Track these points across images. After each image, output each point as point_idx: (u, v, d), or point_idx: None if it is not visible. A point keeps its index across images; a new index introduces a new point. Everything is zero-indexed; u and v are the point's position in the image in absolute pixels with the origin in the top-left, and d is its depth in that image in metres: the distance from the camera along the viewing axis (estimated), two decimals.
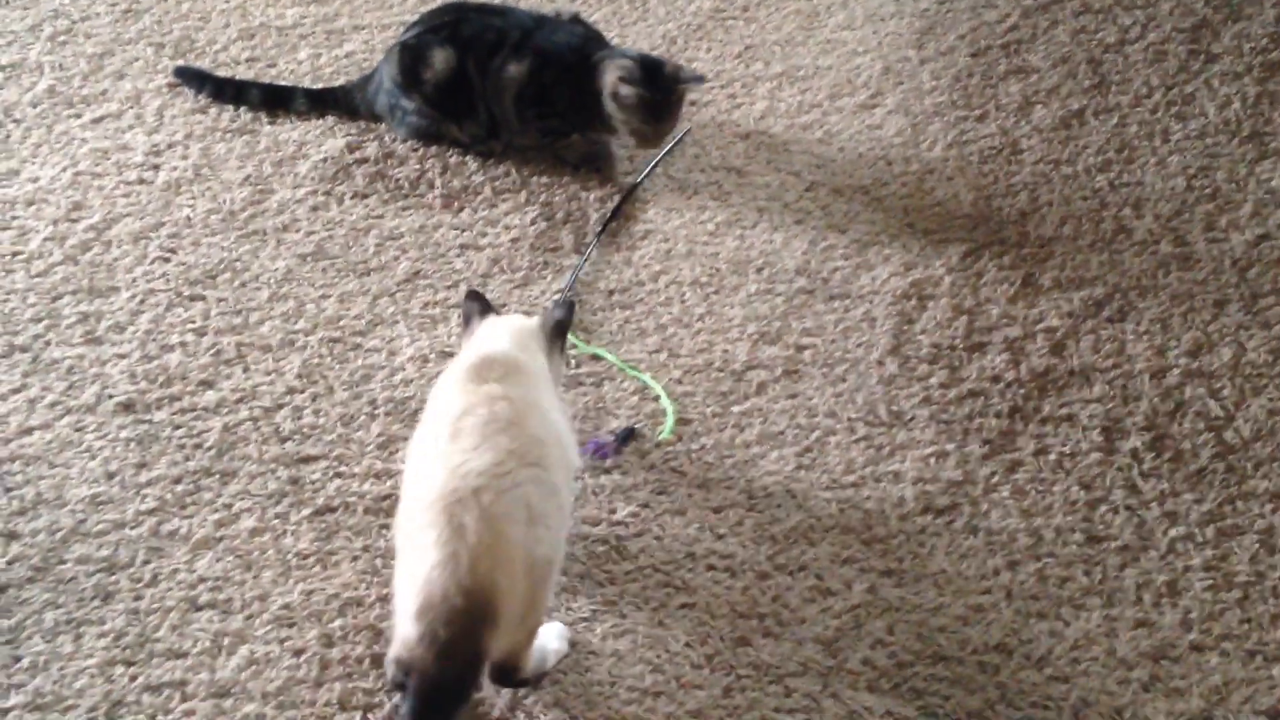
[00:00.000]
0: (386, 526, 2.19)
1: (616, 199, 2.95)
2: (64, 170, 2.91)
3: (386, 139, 3.07)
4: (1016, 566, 2.23)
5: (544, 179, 3.00)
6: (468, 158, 3.03)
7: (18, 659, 1.98)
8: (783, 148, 3.17)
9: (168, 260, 2.71)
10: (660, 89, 2.90)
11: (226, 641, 2.02)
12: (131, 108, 3.11)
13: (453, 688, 1.79)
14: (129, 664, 1.99)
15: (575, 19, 3.08)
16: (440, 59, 2.98)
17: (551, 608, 2.02)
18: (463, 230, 2.84)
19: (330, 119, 3.12)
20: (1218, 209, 3.02)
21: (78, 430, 2.34)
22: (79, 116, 3.08)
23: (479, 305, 2.16)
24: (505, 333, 2.08)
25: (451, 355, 2.18)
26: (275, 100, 3.14)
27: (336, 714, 1.94)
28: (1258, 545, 2.29)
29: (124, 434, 2.34)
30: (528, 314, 2.28)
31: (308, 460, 2.32)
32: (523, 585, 1.80)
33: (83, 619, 2.04)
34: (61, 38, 3.33)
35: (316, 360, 2.51)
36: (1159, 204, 3.03)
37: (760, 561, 2.20)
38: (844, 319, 2.69)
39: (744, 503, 2.30)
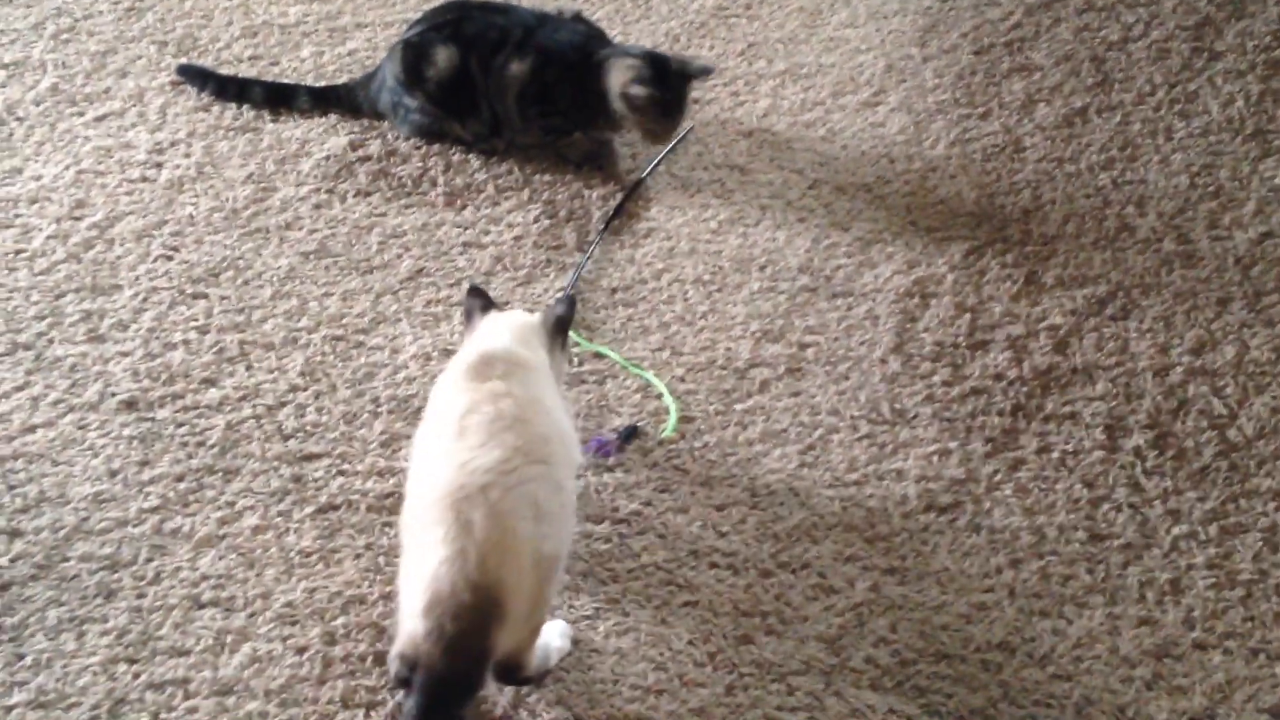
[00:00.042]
0: (389, 524, 2.20)
1: (619, 196, 2.95)
2: (67, 168, 2.91)
3: (389, 137, 3.07)
4: (1019, 564, 2.23)
5: (546, 177, 3.00)
6: (470, 156, 3.03)
7: (21, 657, 1.98)
8: (786, 145, 3.16)
9: (170, 258, 2.71)
10: (670, 87, 2.91)
11: (229, 639, 2.02)
12: (134, 106, 3.12)
13: (459, 683, 1.79)
14: (132, 662, 1.99)
15: (577, 17, 3.08)
16: (443, 57, 2.98)
17: (554, 606, 2.02)
18: (465, 228, 2.84)
19: (333, 117, 3.12)
20: (1221, 207, 3.02)
21: (81, 428, 2.34)
22: (82, 114, 3.08)
23: (481, 301, 2.16)
24: (506, 329, 2.08)
25: (454, 353, 2.17)
26: (278, 98, 3.14)
27: (339, 712, 1.94)
28: (1261, 543, 2.29)
29: (127, 432, 2.34)
30: (530, 311, 2.28)
31: (310, 458, 2.32)
32: (529, 581, 1.80)
33: (85, 617, 2.04)
34: (64, 36, 3.33)
35: (319, 358, 2.51)
36: (1162, 202, 3.03)
37: (763, 559, 2.20)
38: (847, 317, 2.69)
39: (747, 500, 2.30)
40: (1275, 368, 2.61)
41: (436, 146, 3.04)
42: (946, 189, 3.05)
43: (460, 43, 2.98)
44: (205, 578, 2.11)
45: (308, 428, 2.37)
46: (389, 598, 2.07)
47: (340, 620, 2.06)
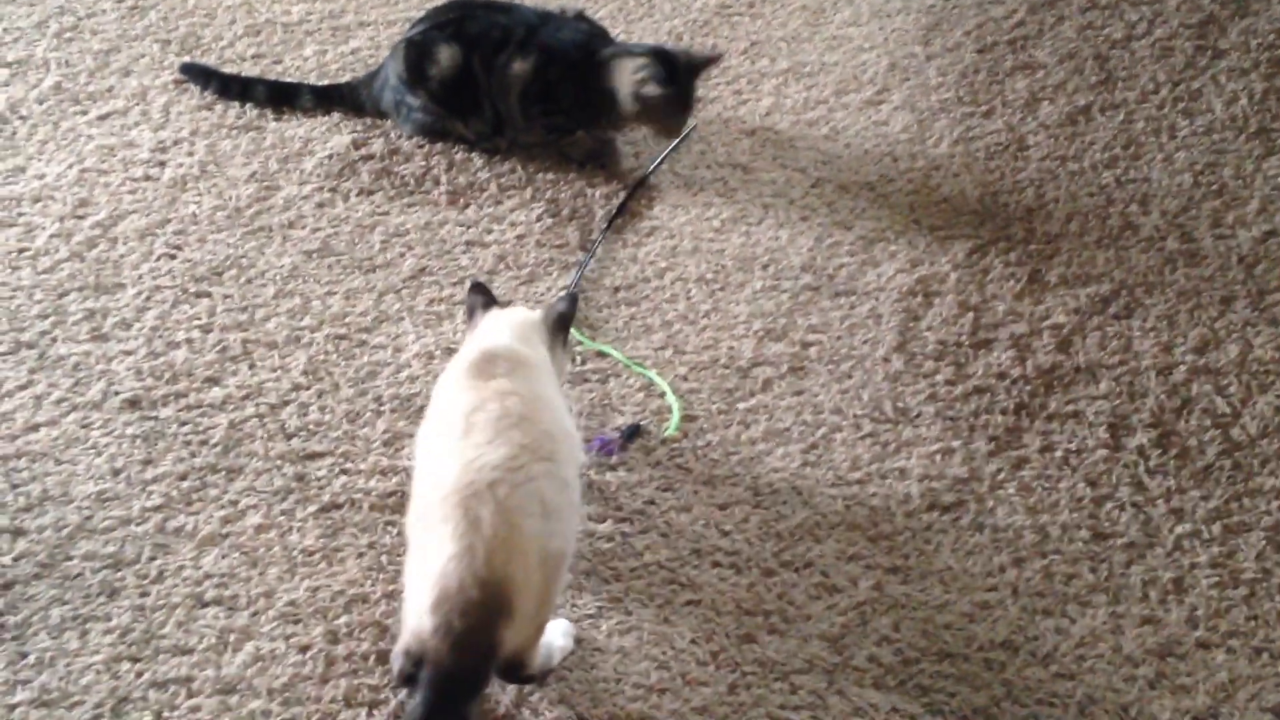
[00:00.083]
0: (392, 523, 2.20)
1: (622, 194, 2.95)
2: (70, 167, 2.91)
3: (392, 135, 3.07)
4: (1022, 563, 2.23)
5: (549, 175, 3.00)
6: (473, 154, 3.03)
7: (24, 655, 1.98)
8: (788, 144, 3.16)
9: (174, 257, 2.71)
10: (680, 81, 2.92)
11: (232, 638, 2.03)
12: (138, 104, 3.12)
13: (467, 679, 1.79)
14: (135, 660, 1.99)
15: (580, 15, 3.08)
16: (446, 56, 2.98)
17: (557, 605, 2.02)
18: (468, 227, 2.84)
19: (336, 115, 3.12)
20: (1225, 205, 3.02)
21: (84, 427, 2.34)
22: (85, 113, 3.08)
23: (483, 298, 2.16)
24: (507, 327, 2.08)
25: (456, 351, 2.17)
26: (281, 97, 3.14)
27: (342, 710, 1.94)
28: (1264, 542, 2.28)
29: (130, 431, 2.34)
30: (532, 308, 2.27)
31: (313, 457, 2.32)
32: (537, 578, 1.80)
33: (89, 615, 2.05)
34: (68, 34, 3.33)
35: (322, 357, 2.51)
36: (1166, 200, 3.03)
37: (766, 558, 2.20)
38: (850, 316, 2.69)
39: (749, 499, 2.30)
40: (1279, 366, 2.61)
41: (439, 145, 3.04)
42: (950, 187, 3.05)
43: (463, 41, 2.98)
44: (208, 576, 2.11)
45: (310, 426, 2.37)
46: (391, 596, 2.07)
47: (343, 619, 2.06)
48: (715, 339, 2.62)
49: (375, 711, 1.94)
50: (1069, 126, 3.24)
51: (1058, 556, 2.24)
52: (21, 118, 3.05)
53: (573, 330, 2.48)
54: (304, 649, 2.02)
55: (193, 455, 2.31)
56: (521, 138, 3.05)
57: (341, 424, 2.38)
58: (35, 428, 2.34)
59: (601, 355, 2.56)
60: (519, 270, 2.74)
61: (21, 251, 2.70)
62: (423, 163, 3.00)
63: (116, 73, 3.21)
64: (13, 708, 1.91)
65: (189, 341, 2.52)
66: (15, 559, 2.11)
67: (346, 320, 2.60)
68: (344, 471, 2.30)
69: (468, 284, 2.59)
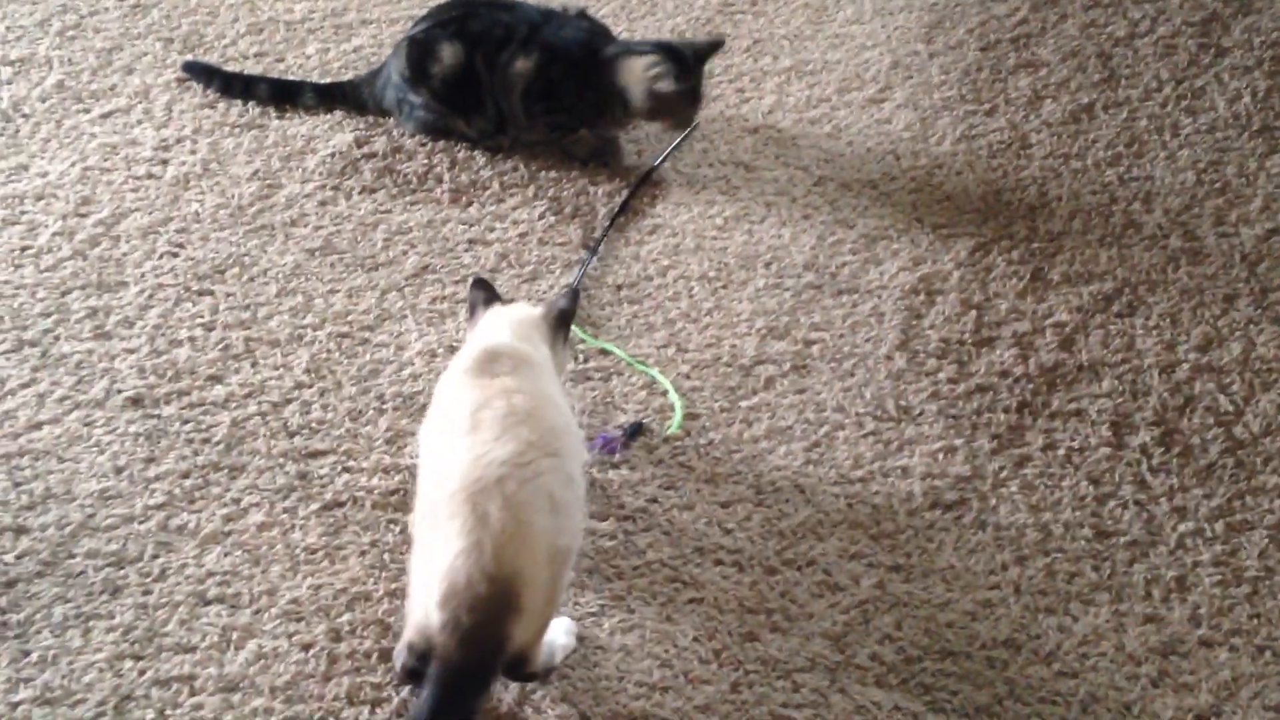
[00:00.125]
0: (394, 521, 2.20)
1: (625, 192, 2.95)
2: (73, 165, 2.91)
3: (394, 134, 3.07)
4: (1025, 561, 2.22)
5: (552, 174, 3.00)
6: (475, 152, 3.03)
7: (27, 653, 1.98)
8: (791, 142, 3.16)
9: (176, 255, 2.71)
10: (690, 74, 2.92)
11: (235, 636, 2.03)
12: (140, 103, 3.12)
13: (475, 675, 1.79)
14: (137, 658, 1.99)
15: (582, 14, 3.08)
16: (448, 54, 2.98)
17: (560, 603, 2.02)
18: (471, 225, 2.84)
19: (338, 114, 3.12)
20: (1228, 203, 3.01)
21: (86, 425, 2.34)
22: (88, 111, 3.08)
23: (485, 294, 2.16)
24: (508, 324, 2.08)
25: (459, 349, 2.17)
26: (283, 95, 3.14)
27: (344, 708, 1.94)
28: (1267, 540, 2.28)
29: (132, 429, 2.34)
30: (534, 305, 2.27)
31: (316, 455, 2.32)
32: (545, 574, 1.80)
33: (91, 613, 2.05)
34: (70, 33, 3.33)
35: (324, 355, 2.51)
36: (1169, 198, 3.03)
37: (768, 556, 2.20)
38: (852, 314, 2.69)
39: (752, 498, 2.30)
40: None
41: (442, 143, 3.04)
42: (952, 185, 3.05)
43: (465, 39, 2.98)
44: (211, 574, 2.11)
45: (313, 424, 2.37)
46: (394, 594, 2.07)
47: (345, 617, 2.06)
48: (718, 337, 2.62)
49: (378, 709, 1.94)
50: (1072, 124, 3.24)
51: (1060, 555, 2.24)
52: (24, 116, 3.05)
53: (576, 328, 2.49)
54: (306, 647, 2.02)
55: (195, 453, 2.31)
56: (524, 136, 3.05)
57: (344, 422, 2.38)
58: (38, 426, 2.34)
59: (604, 353, 2.56)
60: (521, 268, 2.74)
61: (24, 249, 2.70)
62: (425, 161, 3.00)
63: (119, 71, 3.21)
64: (15, 705, 1.91)
65: (191, 339, 2.52)
66: (18, 557, 2.12)
67: (349, 318, 2.60)
68: (346, 469, 2.30)
69: (470, 282, 2.59)
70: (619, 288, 2.72)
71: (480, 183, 2.96)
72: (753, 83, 3.35)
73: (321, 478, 2.28)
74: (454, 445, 1.87)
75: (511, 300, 2.55)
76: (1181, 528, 2.29)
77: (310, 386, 2.45)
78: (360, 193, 2.91)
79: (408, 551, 1.99)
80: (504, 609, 1.77)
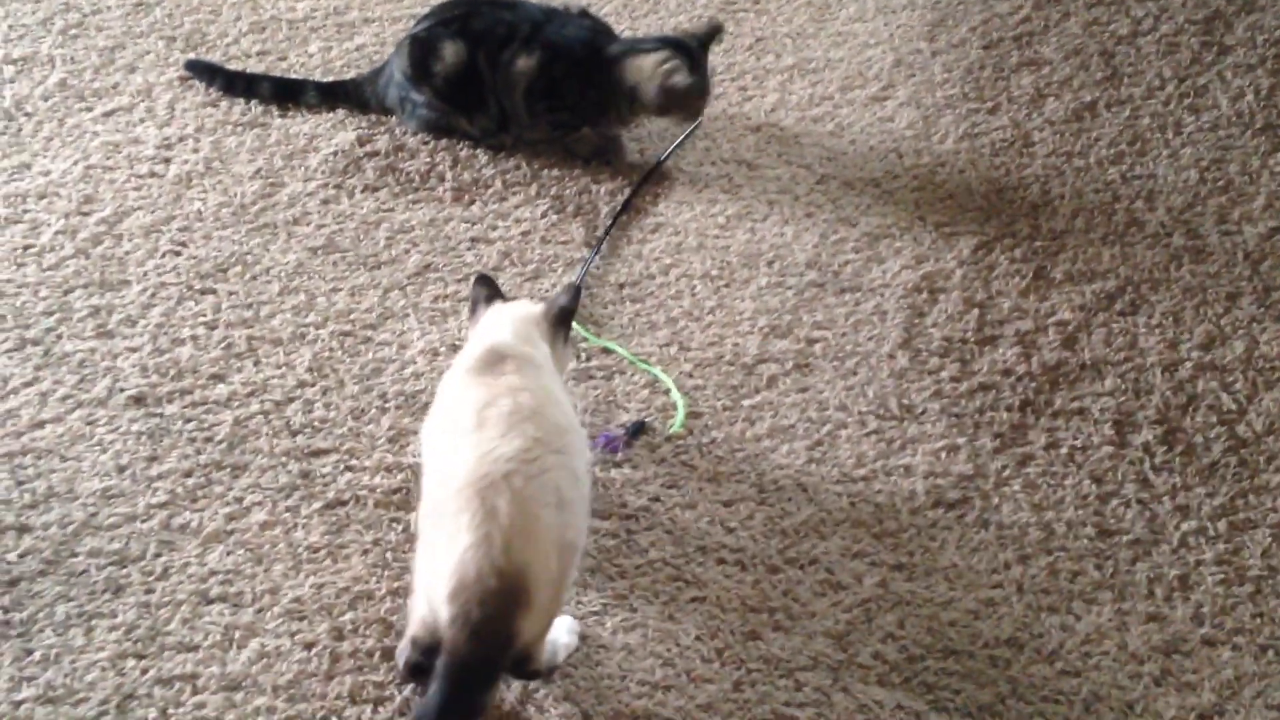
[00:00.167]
0: (397, 520, 2.20)
1: (627, 191, 2.95)
2: (75, 164, 2.91)
3: (397, 132, 3.07)
4: (1027, 560, 2.22)
5: (554, 172, 3.00)
6: (478, 151, 3.03)
7: (29, 652, 1.98)
8: (794, 140, 3.16)
9: (179, 254, 2.71)
10: (699, 65, 2.94)
11: (237, 635, 2.03)
12: (142, 101, 3.12)
13: (483, 669, 1.79)
14: (140, 657, 1.99)
15: (584, 12, 3.08)
16: (450, 52, 2.98)
17: (564, 600, 2.02)
18: (473, 223, 2.84)
19: (341, 112, 3.12)
20: (1230, 201, 3.01)
21: (89, 424, 2.34)
22: (90, 110, 3.08)
23: (487, 291, 2.16)
24: (509, 322, 2.08)
25: (461, 347, 2.17)
26: (286, 93, 3.14)
27: (347, 707, 1.94)
28: (1270, 539, 2.28)
29: (135, 427, 2.34)
30: (536, 301, 2.27)
31: (318, 454, 2.32)
32: (552, 569, 1.81)
33: (94, 612, 2.05)
34: (73, 31, 3.33)
35: (327, 354, 2.51)
36: (1171, 196, 3.02)
37: (771, 555, 2.20)
38: (855, 312, 2.69)
39: (754, 496, 2.30)
40: None
41: (444, 142, 3.04)
42: (955, 184, 3.04)
43: (468, 38, 2.98)
44: (213, 573, 2.11)
45: (315, 423, 2.37)
46: (396, 593, 2.07)
47: (348, 616, 2.06)
48: (720, 336, 2.62)
49: (380, 708, 1.94)
50: (1074, 123, 3.24)
51: (1063, 553, 2.24)
52: (27, 114, 3.05)
53: (578, 326, 2.49)
54: (309, 646, 2.02)
55: (198, 452, 2.31)
56: (526, 134, 3.05)
57: (346, 421, 2.38)
58: (40, 424, 2.34)
59: (606, 352, 2.56)
60: (524, 267, 2.74)
61: (27, 248, 2.70)
62: (428, 159, 3.00)
63: (121, 69, 3.21)
64: (18, 704, 1.91)
65: (194, 338, 2.52)
66: (21, 556, 2.12)
67: (351, 317, 2.60)
68: (349, 468, 2.30)
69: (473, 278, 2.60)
70: (621, 286, 2.72)
71: (483, 181, 2.96)
72: (755, 81, 3.35)
73: (324, 476, 2.28)
74: (459, 443, 1.87)
75: (513, 297, 2.55)
76: (1184, 526, 2.29)
77: (313, 385, 2.45)
78: (363, 191, 2.91)
79: (410, 550, 1.99)
80: (513, 603, 1.77)
